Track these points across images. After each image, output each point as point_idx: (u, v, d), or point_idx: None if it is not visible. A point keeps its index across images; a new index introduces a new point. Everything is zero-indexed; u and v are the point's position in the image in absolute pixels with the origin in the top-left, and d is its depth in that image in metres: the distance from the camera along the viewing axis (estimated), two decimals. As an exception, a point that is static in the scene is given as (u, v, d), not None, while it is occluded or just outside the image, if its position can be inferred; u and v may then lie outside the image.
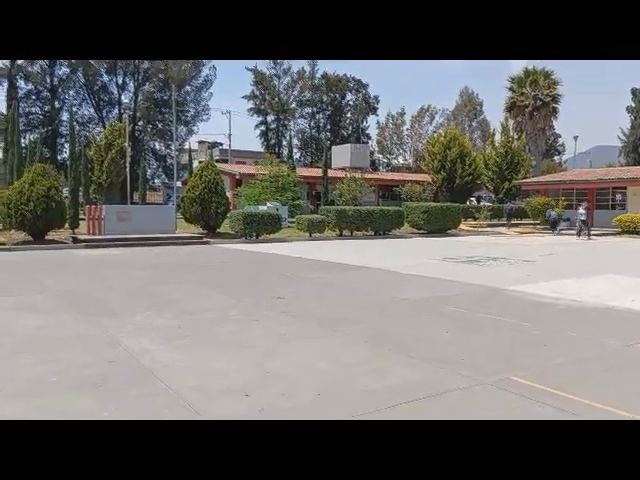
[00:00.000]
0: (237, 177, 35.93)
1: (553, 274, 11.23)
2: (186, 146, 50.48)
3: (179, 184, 40.00)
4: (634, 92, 67.44)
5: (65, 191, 23.08)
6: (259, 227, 20.80)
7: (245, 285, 9.99)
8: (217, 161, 43.99)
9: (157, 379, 4.53)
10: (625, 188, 30.70)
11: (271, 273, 11.90)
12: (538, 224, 30.89)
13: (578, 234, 24.41)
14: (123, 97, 54.70)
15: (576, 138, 77.16)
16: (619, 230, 26.79)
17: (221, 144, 64.72)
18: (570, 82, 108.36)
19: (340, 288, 9.65)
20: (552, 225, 28.74)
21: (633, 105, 67.23)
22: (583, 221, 24.53)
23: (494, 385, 4.39)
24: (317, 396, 4.11)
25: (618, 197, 30.72)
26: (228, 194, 26.00)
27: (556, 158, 70.44)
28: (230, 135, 59.32)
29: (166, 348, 5.50)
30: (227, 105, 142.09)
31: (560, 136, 70.54)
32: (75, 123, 43.09)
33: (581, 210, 25.03)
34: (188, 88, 56.32)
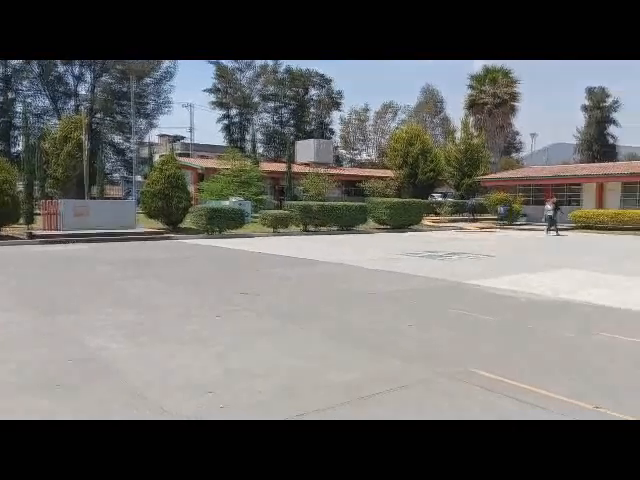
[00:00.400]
0: (200, 171, 35.43)
1: (513, 268, 11.51)
2: (146, 140, 49.53)
3: (139, 178, 39.19)
4: (589, 91, 69.83)
5: (20, 185, 22.25)
6: (222, 222, 20.58)
7: (208, 281, 9.86)
8: (179, 155, 43.26)
9: (117, 377, 4.42)
10: (580, 185, 31.77)
11: (235, 269, 11.79)
12: (498, 219, 31.62)
13: (547, 230, 24.48)
14: (80, 88, 53.14)
15: (533, 136, 79.40)
16: (574, 225, 27.71)
17: (183, 138, 63.61)
18: (528, 81, 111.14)
19: (304, 283, 9.64)
20: (501, 219, 30.24)
21: (588, 104, 69.61)
22: (550, 217, 24.67)
23: (455, 377, 4.46)
24: (280, 392, 4.09)
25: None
26: (190, 189, 25.62)
27: (514, 155, 72.19)
28: (192, 129, 58.33)
29: (127, 345, 5.37)
30: (189, 98, 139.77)
31: (518, 133, 72.30)
32: (29, 115, 41.52)
33: (548, 206, 25.12)
34: (148, 80, 55.10)
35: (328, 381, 4.34)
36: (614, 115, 69.59)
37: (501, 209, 29.91)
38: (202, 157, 47.78)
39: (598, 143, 67.71)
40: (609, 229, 26.14)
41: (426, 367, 4.71)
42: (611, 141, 69.50)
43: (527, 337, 5.85)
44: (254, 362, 4.83)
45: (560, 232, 24.25)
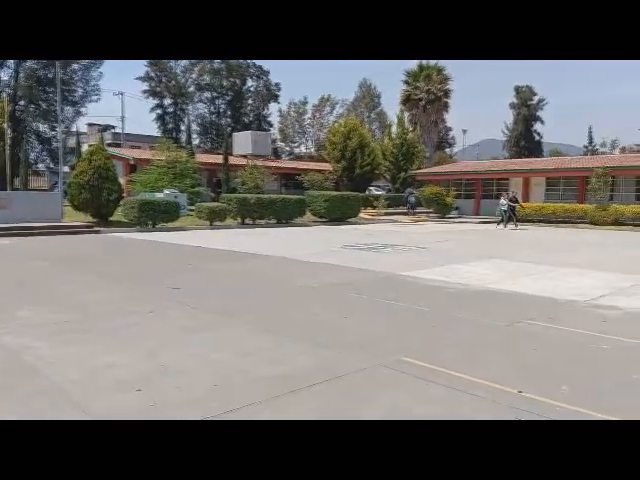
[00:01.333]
0: (131, 162, 34.18)
1: (445, 259, 11.88)
2: (74, 128, 47.20)
3: (66, 169, 37.32)
4: (517, 89, 73.06)
5: None
6: (156, 215, 19.96)
7: (140, 276, 9.53)
8: (109, 145, 41.64)
9: (40, 376, 4.19)
10: (508, 179, 33.25)
11: (168, 263, 11.47)
12: (432, 212, 32.57)
13: (501, 223, 24.72)
14: (2, 74, 49.72)
15: (465, 131, 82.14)
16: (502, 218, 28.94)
17: (113, 127, 61.19)
18: (461, 78, 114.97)
19: (240, 277, 9.51)
20: (409, 207, 31.89)
21: (516, 102, 72.84)
22: (504, 211, 24.77)
23: (389, 366, 4.53)
24: (213, 387, 4.01)
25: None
26: (121, 180, 24.66)
27: (447, 150, 74.54)
28: (123, 118, 56.18)
29: (52, 344, 5.09)
30: (120, 86, 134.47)
31: (451, 129, 74.66)
32: (-57, 99, 38.45)
33: (502, 200, 25.24)
34: (75, 66, 52.30)
35: (261, 375, 4.30)
36: (540, 113, 73.29)
37: (411, 198, 30.70)
38: (134, 147, 46.10)
39: (525, 139, 71.05)
40: (534, 222, 27.52)
41: (360, 358, 4.76)
42: (537, 138, 73.12)
43: (456, 326, 6.04)
44: (186, 358, 4.71)
45: (509, 225, 24.55)
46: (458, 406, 3.73)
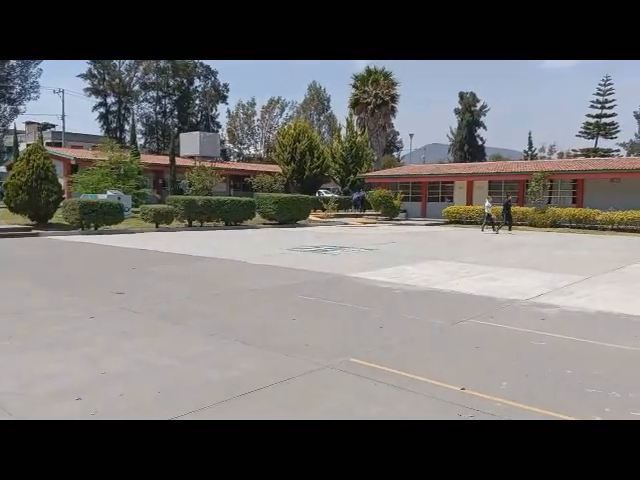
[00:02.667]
0: (72, 162, 32.95)
1: (392, 261, 12.08)
2: (11, 127, 44.95)
3: (3, 169, 35.53)
4: (461, 95, 75.36)
5: None
6: (98, 217, 19.30)
7: (81, 280, 9.19)
8: (49, 144, 39.99)
9: (-33, 390, 3.95)
10: (452, 183, 34.20)
11: (111, 267, 11.11)
12: (380, 215, 33.07)
13: (491, 227, 23.79)
14: None
15: (411, 136, 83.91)
16: (447, 220, 29.78)
17: (54, 126, 58.74)
18: (407, 83, 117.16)
19: (187, 280, 9.34)
20: (355, 206, 31.90)
21: (460, 107, 75.12)
22: (488, 215, 24.10)
23: (335, 368, 4.57)
24: (157, 394, 3.91)
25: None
26: (62, 181, 23.73)
27: (395, 154, 76.04)
28: (64, 117, 53.86)
29: (-20, 354, 4.82)
30: (61, 84, 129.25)
31: (399, 133, 76.32)
32: None
33: (487, 204, 24.42)
34: (13, 62, 49.98)
35: (208, 380, 4.24)
36: (482, 119, 75.86)
37: (355, 195, 30.43)
38: (75, 147, 44.46)
39: (469, 144, 73.37)
40: (477, 224, 28.42)
41: (309, 360, 4.78)
42: (480, 142, 75.66)
43: (403, 326, 6.15)
44: (129, 364, 4.58)
45: (497, 229, 23.47)
46: (402, 405, 3.80)
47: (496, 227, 23.57)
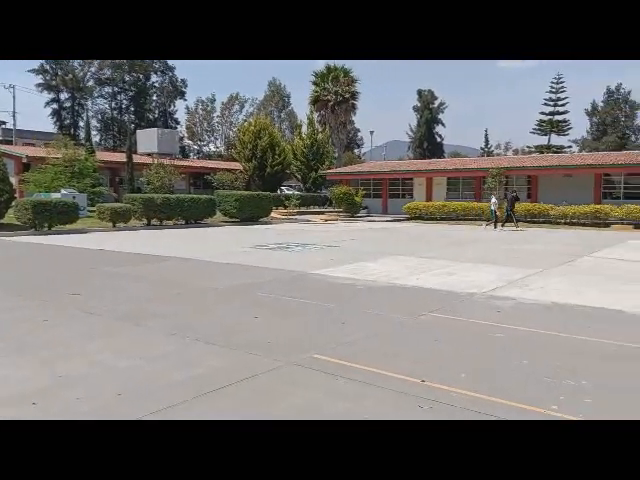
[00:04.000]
0: (24, 161, 31.77)
1: (354, 257, 12.17)
2: (-43, 123, 42.90)
3: (-52, 167, 33.86)
4: (420, 93, 76.43)
5: None
6: (52, 217, 18.69)
7: (34, 282, 8.89)
8: (-1, 142, 38.45)
9: None
10: (412, 179, 34.71)
11: (66, 268, 10.79)
12: (342, 211, 33.24)
13: (495, 226, 22.93)
14: None
15: (372, 133, 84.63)
16: (408, 216, 30.21)
17: (4, 123, 56.50)
18: (367, 80, 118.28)
19: (147, 280, 9.16)
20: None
21: (419, 105, 76.19)
22: (494, 212, 23.26)
23: (299, 364, 4.58)
24: (117, 396, 3.83)
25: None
26: (13, 180, 22.86)
27: (356, 151, 76.52)
28: (15, 113, 51.93)
29: None
30: (11, 79, 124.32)
31: (359, 130, 76.82)
32: None
33: (493, 200, 23.63)
34: (-43, 55, 47.78)
35: (172, 380, 4.18)
36: (440, 116, 77.20)
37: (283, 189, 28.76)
38: (27, 145, 42.89)
39: (428, 141, 74.55)
40: (436, 219, 28.96)
41: (272, 357, 4.77)
42: (438, 140, 76.98)
43: (365, 321, 6.21)
44: (87, 367, 4.46)
45: (499, 226, 22.82)
46: (366, 398, 3.85)
47: (498, 224, 22.84)
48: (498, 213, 23.30)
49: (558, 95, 63.64)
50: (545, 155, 43.12)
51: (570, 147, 66.74)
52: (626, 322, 6.27)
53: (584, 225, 24.60)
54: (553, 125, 64.65)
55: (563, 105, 63.92)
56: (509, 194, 23.79)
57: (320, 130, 43.69)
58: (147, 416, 3.48)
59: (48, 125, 64.48)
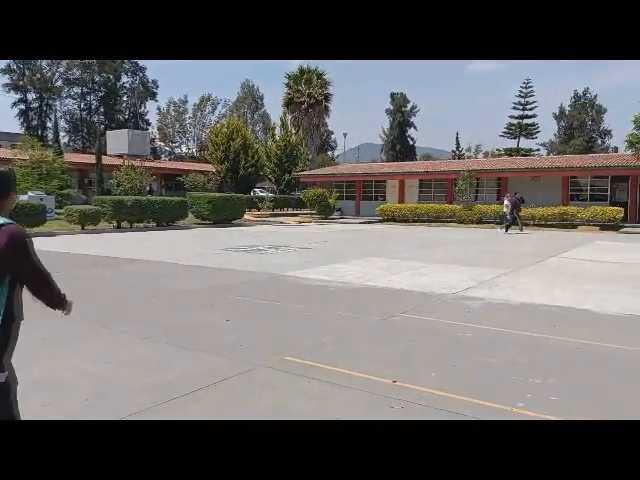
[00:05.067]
0: (-11, 162, 30.93)
1: (326, 259, 12.20)
2: None
3: None
4: (392, 96, 77.13)
5: None
6: (18, 219, 17.64)
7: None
8: (-38, 142, 37.40)
9: None
10: (385, 181, 34.99)
11: (34, 271, 10.52)
12: (315, 213, 33.30)
13: (506, 227, 22.00)
14: None
15: (345, 135, 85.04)
16: (381, 218, 30.43)
17: (-33, 123, 54.92)
18: (341, 83, 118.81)
19: (116, 284, 9.01)
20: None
21: (391, 108, 76.88)
22: (505, 214, 22.37)
23: (270, 367, 4.57)
24: (85, 402, 3.76)
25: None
26: (-23, 181, 22.19)
27: (330, 153, 76.76)
28: (-21, 112, 50.50)
29: None
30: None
31: (332, 133, 77.02)
32: None
33: (506, 202, 22.59)
34: None
35: (143, 384, 4.12)
36: (413, 119, 78.04)
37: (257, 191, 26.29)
38: (-7, 145, 41.73)
39: (400, 144, 75.27)
40: (409, 221, 29.25)
41: (243, 360, 4.74)
42: (411, 142, 77.80)
43: (337, 323, 6.23)
44: (54, 372, 4.37)
45: (512, 229, 22.02)
46: (338, 399, 3.86)
47: (508, 227, 22.03)
48: (509, 216, 22.23)
49: (527, 99, 65.09)
50: (514, 158, 44.03)
51: (538, 150, 68.32)
52: (592, 321, 6.44)
53: (552, 226, 25.17)
54: (522, 128, 66.07)
55: (532, 109, 65.43)
56: (512, 197, 22.72)
57: (294, 132, 43.72)
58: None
59: (15, 126, 62.96)
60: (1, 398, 2.42)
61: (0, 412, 2.41)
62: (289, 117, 45.13)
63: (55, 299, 2.61)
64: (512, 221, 22.13)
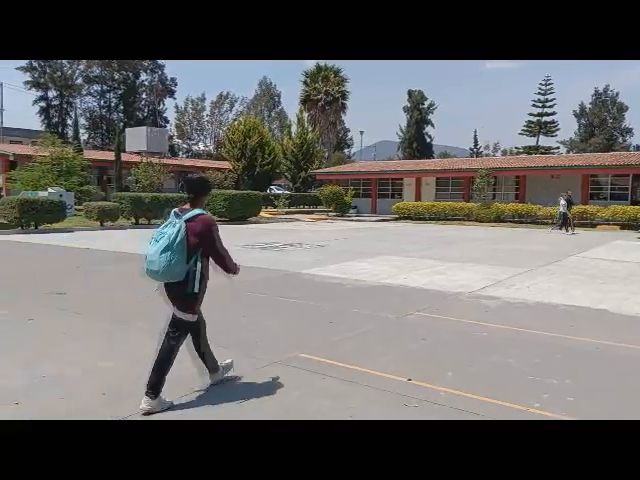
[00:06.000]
0: (11, 159, 31.41)
1: (342, 257, 12.18)
2: (-58, 120, 42.38)
3: None
4: (410, 93, 76.63)
5: None
6: (39, 216, 18.51)
7: (20, 281, 8.79)
8: (-15, 139, 38.06)
9: None
10: (401, 179, 34.82)
11: (53, 267, 10.69)
12: (331, 211, 33.27)
13: (560, 227, 21.52)
14: None
15: (362, 133, 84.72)
16: (397, 216, 30.29)
17: (-10, 120, 55.86)
18: (359, 80, 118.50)
19: (132, 280, 9.07)
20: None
21: (409, 105, 76.39)
22: (564, 214, 21.53)
23: (285, 363, 4.57)
24: (101, 396, 3.80)
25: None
26: (-1, 178, 22.63)
27: (346, 151, 76.56)
28: (2, 111, 51.40)
29: None
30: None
31: (349, 130, 76.81)
32: None
33: (562, 201, 21.75)
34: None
35: (155, 380, 4.14)
36: (430, 117, 77.44)
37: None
38: (14, 143, 42.46)
39: (417, 142, 74.76)
40: (425, 219, 29.08)
41: (258, 357, 4.76)
42: (428, 140, 77.22)
43: (352, 321, 6.22)
44: (70, 367, 4.42)
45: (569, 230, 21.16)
46: (352, 398, 3.85)
47: (564, 227, 21.43)
48: (562, 216, 21.53)
49: (546, 96, 64.15)
50: (533, 156, 43.46)
51: (558, 148, 67.30)
52: (611, 322, 6.34)
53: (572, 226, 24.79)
54: (541, 126, 65.16)
55: (551, 106, 64.44)
56: (567, 196, 21.91)
57: (310, 130, 43.69)
58: (132, 416, 3.46)
59: (36, 123, 63.94)
60: (194, 334, 3.94)
61: (163, 347, 3.83)
62: (305, 115, 45.11)
63: (227, 269, 3.91)
64: (565, 221, 21.49)
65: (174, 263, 3.55)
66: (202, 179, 3.96)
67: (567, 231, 21.22)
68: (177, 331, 3.78)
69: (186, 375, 4.27)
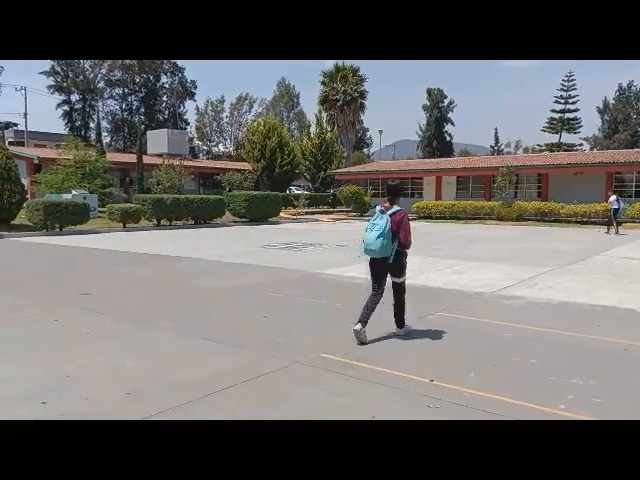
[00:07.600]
0: (36, 162, 32.07)
1: (362, 257, 12.12)
2: (-30, 125, 43.42)
3: (-39, 169, 34.27)
4: (429, 92, 76.15)
5: None
6: (63, 218, 18.85)
7: (44, 282, 8.97)
8: (11, 144, 38.89)
9: None
10: (421, 178, 34.59)
11: (77, 268, 10.88)
12: (350, 211, 33.22)
13: (616, 230, 19.99)
14: None
15: (381, 132, 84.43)
16: (417, 215, 30.10)
17: (16, 125, 57.23)
18: (377, 79, 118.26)
19: (155, 281, 9.21)
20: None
21: (428, 104, 75.92)
22: (615, 210, 20.26)
23: (306, 363, 4.58)
24: (125, 395, 3.85)
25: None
26: (25, 181, 23.13)
27: (365, 150, 76.40)
28: (26, 115, 52.48)
29: (-61, 360, 4.66)
30: (23, 81, 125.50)
31: (368, 130, 76.66)
32: None
33: (611, 199, 20.58)
34: (-30, 57, 48.36)
35: (177, 381, 4.19)
36: (450, 115, 76.86)
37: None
38: (39, 146, 43.34)
39: (437, 140, 74.25)
40: (446, 218, 28.84)
41: (279, 356, 4.77)
42: (448, 139, 76.66)
43: (372, 321, 6.18)
44: (95, 367, 4.49)
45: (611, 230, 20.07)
46: (374, 397, 3.84)
47: (611, 227, 20.26)
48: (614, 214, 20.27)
49: (569, 93, 63.19)
50: (555, 153, 42.79)
51: (581, 145, 66.29)
52: (638, 321, 6.21)
53: (595, 224, 24.36)
54: (564, 123, 64.18)
55: (574, 103, 63.46)
56: (610, 195, 21.07)
57: (329, 130, 43.65)
58: (155, 415, 3.50)
59: (59, 127, 65.20)
60: (399, 291, 5.65)
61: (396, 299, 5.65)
62: (324, 115, 45.06)
63: (404, 245, 5.40)
64: (610, 220, 20.45)
65: (386, 244, 5.16)
66: (398, 186, 5.66)
67: (609, 231, 20.04)
68: (399, 288, 5.63)
69: (206, 375, 4.31)
